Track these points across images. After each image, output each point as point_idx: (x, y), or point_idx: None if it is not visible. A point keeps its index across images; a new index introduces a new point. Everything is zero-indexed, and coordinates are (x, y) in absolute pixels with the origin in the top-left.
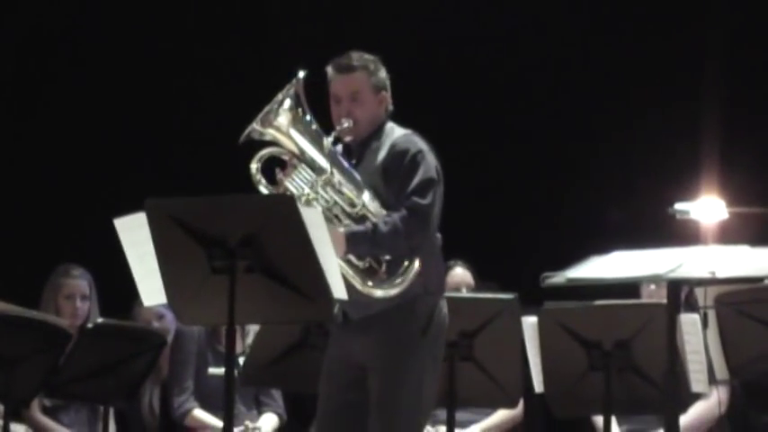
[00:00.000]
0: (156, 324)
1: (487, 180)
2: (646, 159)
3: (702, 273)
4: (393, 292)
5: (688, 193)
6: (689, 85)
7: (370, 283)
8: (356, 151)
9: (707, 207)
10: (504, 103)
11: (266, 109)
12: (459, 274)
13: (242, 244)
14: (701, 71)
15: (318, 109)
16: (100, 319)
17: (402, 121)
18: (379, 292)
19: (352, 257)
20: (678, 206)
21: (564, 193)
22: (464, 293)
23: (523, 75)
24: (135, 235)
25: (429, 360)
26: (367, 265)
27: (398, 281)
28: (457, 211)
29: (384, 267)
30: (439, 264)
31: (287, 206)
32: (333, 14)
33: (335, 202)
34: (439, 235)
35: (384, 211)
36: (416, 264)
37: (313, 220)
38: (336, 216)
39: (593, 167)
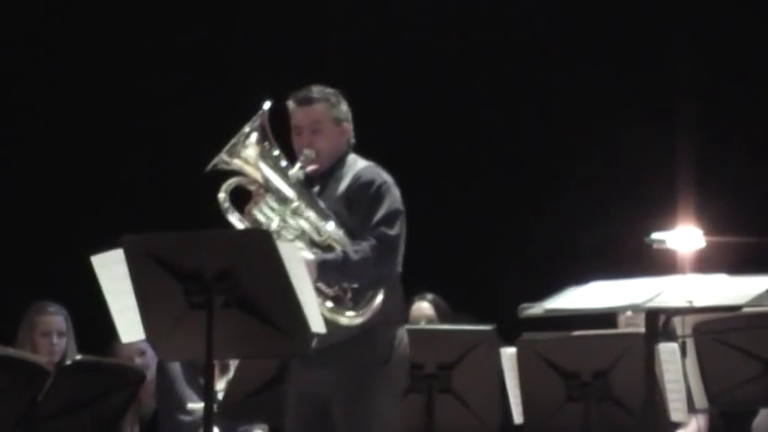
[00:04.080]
0: (138, 360)
1: (464, 210)
2: (622, 188)
3: (680, 302)
4: (358, 320)
5: (665, 221)
6: (664, 113)
7: (336, 311)
8: (318, 182)
9: (684, 236)
10: (479, 132)
11: (233, 141)
12: (419, 307)
13: (218, 279)
14: (678, 98)
15: (282, 138)
16: (78, 356)
17: (375, 152)
18: (344, 320)
19: (321, 285)
20: (655, 235)
21: (541, 222)
22: (441, 325)
23: (497, 103)
24: (112, 271)
25: (391, 389)
26: (334, 293)
27: (363, 310)
28: (434, 241)
29: (350, 295)
30: (399, 294)
31: (263, 241)
32: (298, 44)
33: (303, 231)
34: (399, 268)
35: (348, 240)
36: (381, 293)
37: (290, 253)
38: (304, 244)
39: (569, 196)
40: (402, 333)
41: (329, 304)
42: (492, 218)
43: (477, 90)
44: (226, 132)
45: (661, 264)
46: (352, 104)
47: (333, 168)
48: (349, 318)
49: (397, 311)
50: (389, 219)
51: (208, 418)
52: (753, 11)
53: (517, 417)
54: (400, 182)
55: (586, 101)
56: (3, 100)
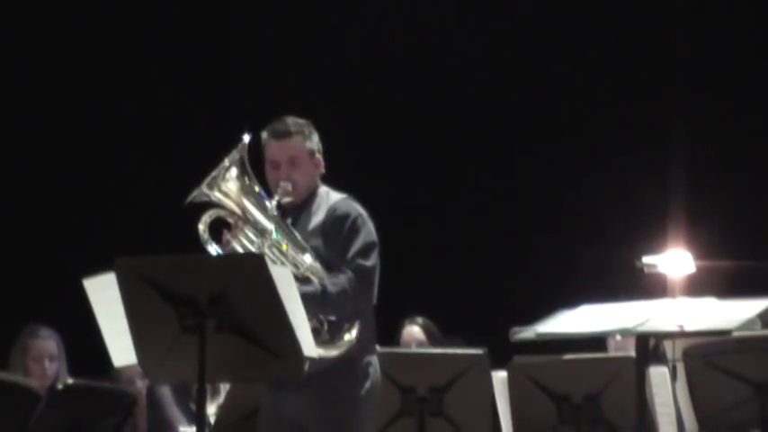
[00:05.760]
0: (139, 382)
1: (455, 234)
2: (613, 212)
3: (670, 326)
4: (334, 352)
5: (655, 245)
6: (656, 139)
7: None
8: (291, 214)
9: (674, 260)
10: (469, 156)
11: (213, 174)
12: (410, 331)
13: (211, 303)
14: (669, 125)
15: (258, 169)
16: (69, 380)
17: (360, 174)
18: (320, 352)
19: None
20: (646, 259)
21: (532, 246)
22: (433, 349)
23: (490, 128)
24: (104, 295)
25: (367, 418)
26: (312, 325)
27: (340, 341)
28: (424, 265)
29: (326, 327)
30: (372, 323)
31: (256, 265)
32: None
33: (281, 264)
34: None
35: (325, 273)
36: (357, 325)
37: (282, 277)
38: None
39: (560, 221)
40: (376, 362)
41: None
42: (483, 242)
43: (468, 114)
44: (210, 161)
45: (652, 287)
46: (335, 127)
47: (306, 201)
48: (326, 350)
49: (371, 341)
50: (365, 251)
51: None
52: (745, 35)
53: None
54: (389, 206)
55: (578, 125)
56: None
